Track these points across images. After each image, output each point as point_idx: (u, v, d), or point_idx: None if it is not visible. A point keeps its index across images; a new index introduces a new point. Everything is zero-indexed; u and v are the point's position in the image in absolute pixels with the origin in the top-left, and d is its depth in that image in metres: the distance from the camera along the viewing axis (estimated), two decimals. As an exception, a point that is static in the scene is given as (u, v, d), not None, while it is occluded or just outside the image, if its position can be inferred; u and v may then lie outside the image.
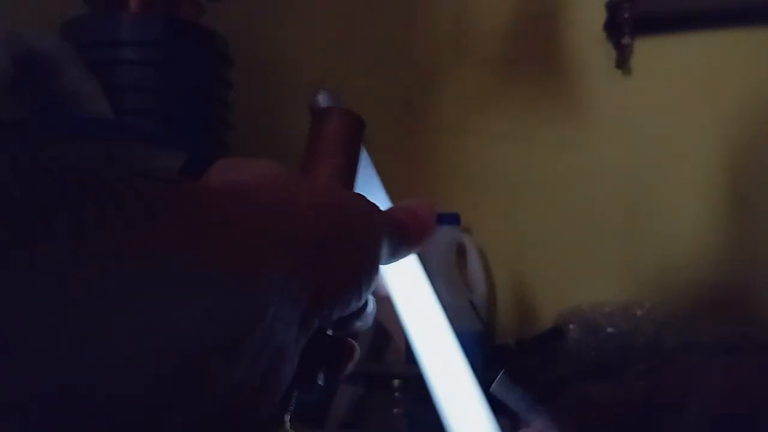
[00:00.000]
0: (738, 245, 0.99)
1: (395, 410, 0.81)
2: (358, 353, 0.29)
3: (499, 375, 0.34)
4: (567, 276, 1.04)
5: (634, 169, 1.03)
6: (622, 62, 1.03)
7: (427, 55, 1.14)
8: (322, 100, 0.35)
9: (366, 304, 0.29)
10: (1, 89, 0.76)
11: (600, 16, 1.03)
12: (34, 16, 0.91)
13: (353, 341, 0.29)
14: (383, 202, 0.36)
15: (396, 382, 0.82)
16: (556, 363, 0.87)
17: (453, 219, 1.00)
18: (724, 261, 0.99)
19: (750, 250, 0.99)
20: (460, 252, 1.00)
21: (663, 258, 1.01)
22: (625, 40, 1.02)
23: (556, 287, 1.04)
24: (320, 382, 0.27)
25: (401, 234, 0.29)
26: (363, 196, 0.27)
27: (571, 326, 0.88)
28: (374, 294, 0.31)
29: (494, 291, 1.06)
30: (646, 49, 1.03)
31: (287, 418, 0.26)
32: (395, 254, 0.29)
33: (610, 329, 0.86)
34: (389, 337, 0.94)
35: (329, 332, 0.28)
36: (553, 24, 1.08)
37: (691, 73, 1.02)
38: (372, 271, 0.25)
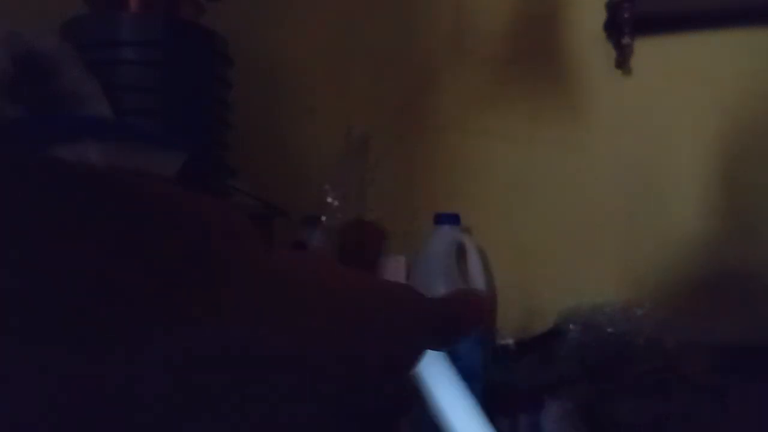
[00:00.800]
0: (739, 245, 0.99)
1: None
2: None
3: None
4: (567, 276, 1.04)
5: (634, 169, 1.03)
6: (622, 62, 1.03)
7: (427, 55, 1.14)
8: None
9: (407, 400, 0.28)
10: (1, 89, 0.76)
11: (600, 16, 1.03)
12: (34, 16, 0.91)
13: None
14: None
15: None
16: (556, 363, 0.87)
17: (453, 219, 1.00)
18: (724, 261, 0.99)
19: (751, 250, 0.99)
20: (460, 252, 1.00)
21: (663, 258, 1.01)
22: (625, 40, 1.02)
23: (556, 287, 1.04)
24: None
25: (452, 323, 0.28)
26: (410, 286, 0.27)
27: (571, 326, 0.88)
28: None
29: (494, 291, 1.06)
30: (646, 49, 1.03)
31: None
32: (445, 342, 0.28)
33: (610, 329, 0.86)
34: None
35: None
36: (553, 24, 1.08)
37: (691, 73, 1.02)
38: (411, 355, 0.25)
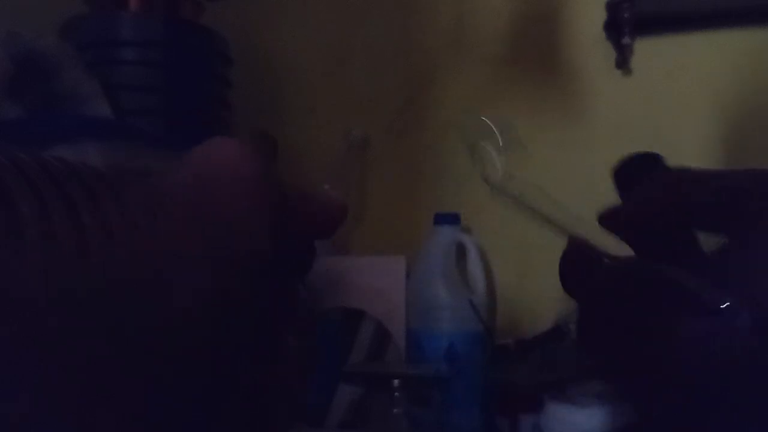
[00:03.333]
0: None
1: (395, 410, 0.81)
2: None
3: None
4: (567, 276, 1.04)
5: (634, 169, 1.03)
6: (622, 62, 1.03)
7: (427, 55, 1.14)
8: None
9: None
10: (1, 89, 0.76)
11: (600, 16, 1.03)
12: (34, 16, 0.91)
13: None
14: None
15: (396, 382, 0.82)
16: (556, 363, 0.87)
17: (453, 219, 1.00)
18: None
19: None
20: (460, 252, 1.00)
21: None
22: (625, 40, 1.02)
23: (556, 287, 1.04)
24: None
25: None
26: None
27: (571, 326, 0.88)
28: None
29: (494, 291, 1.06)
30: (646, 49, 1.03)
31: None
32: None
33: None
34: (389, 337, 0.94)
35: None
36: (554, 24, 1.08)
37: (691, 73, 1.02)
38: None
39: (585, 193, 1.04)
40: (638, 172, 0.33)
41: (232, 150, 0.26)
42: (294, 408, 0.27)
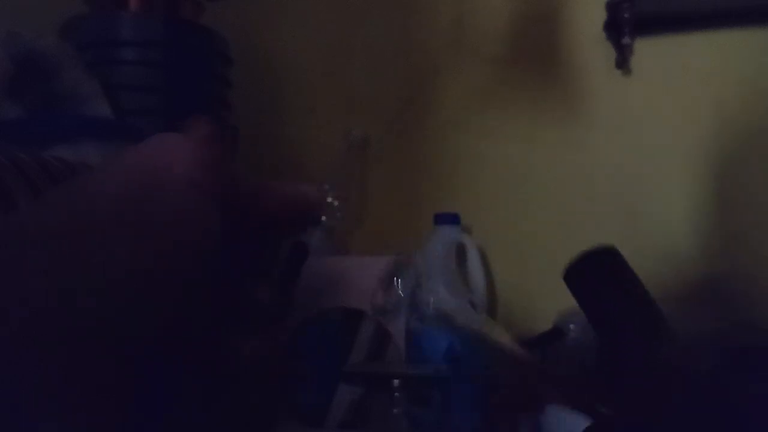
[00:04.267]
0: (740, 245, 0.99)
1: (395, 410, 0.81)
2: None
3: None
4: (567, 276, 1.04)
5: (634, 169, 1.03)
6: (622, 62, 1.03)
7: (427, 55, 1.14)
8: None
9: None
10: (1, 89, 0.76)
11: (600, 16, 1.03)
12: (34, 16, 0.91)
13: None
14: None
15: (396, 382, 0.82)
16: (556, 363, 0.87)
17: (453, 219, 1.00)
18: (725, 261, 0.99)
19: (752, 250, 0.99)
20: (460, 252, 1.00)
21: (663, 258, 1.01)
22: (625, 40, 1.02)
23: (556, 287, 1.04)
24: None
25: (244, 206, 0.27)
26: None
27: (571, 326, 0.88)
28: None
29: (494, 291, 1.06)
30: (646, 49, 1.03)
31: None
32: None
33: (610, 329, 0.86)
34: (389, 337, 0.94)
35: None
36: (554, 24, 1.08)
37: (691, 73, 1.02)
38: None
39: (585, 193, 1.05)
40: (593, 272, 0.33)
41: (171, 146, 0.26)
42: (283, 406, 0.27)
